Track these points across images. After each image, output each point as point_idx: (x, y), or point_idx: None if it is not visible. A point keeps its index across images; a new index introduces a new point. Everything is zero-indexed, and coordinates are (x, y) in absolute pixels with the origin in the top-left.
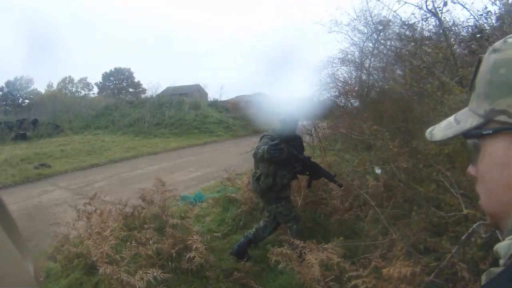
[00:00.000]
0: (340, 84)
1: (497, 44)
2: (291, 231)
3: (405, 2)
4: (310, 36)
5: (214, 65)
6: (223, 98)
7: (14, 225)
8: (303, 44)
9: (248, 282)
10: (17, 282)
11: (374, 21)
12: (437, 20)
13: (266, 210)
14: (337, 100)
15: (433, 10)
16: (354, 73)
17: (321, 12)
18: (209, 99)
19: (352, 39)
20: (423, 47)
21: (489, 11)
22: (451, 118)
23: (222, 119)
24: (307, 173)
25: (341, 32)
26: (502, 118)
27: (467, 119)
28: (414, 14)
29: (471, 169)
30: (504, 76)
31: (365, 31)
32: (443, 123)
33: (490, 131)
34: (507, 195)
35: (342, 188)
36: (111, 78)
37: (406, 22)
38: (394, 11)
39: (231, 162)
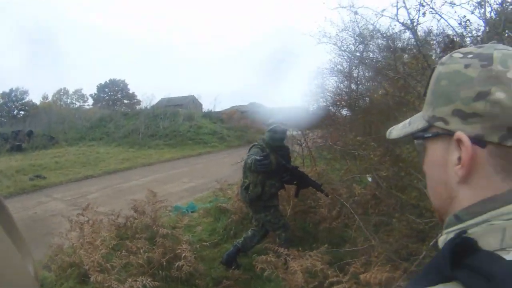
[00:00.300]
0: (329, 94)
1: (444, 58)
2: (280, 239)
3: (382, 15)
4: (302, 47)
5: (209, 75)
6: (218, 109)
7: (14, 225)
8: (295, 55)
9: None
10: (17, 282)
11: (361, 31)
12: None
13: (255, 219)
14: (328, 109)
15: (407, 23)
16: (343, 84)
17: (312, 23)
18: (203, 110)
19: (340, 49)
20: (403, 57)
21: (468, 19)
22: (407, 120)
23: (216, 130)
24: (295, 182)
25: (329, 43)
26: (440, 124)
27: (416, 122)
28: (393, 25)
29: (424, 167)
30: (444, 88)
31: (353, 41)
32: (401, 124)
33: (430, 135)
34: (445, 193)
35: (330, 196)
36: (106, 90)
37: (385, 34)
38: (372, 24)
39: (225, 172)
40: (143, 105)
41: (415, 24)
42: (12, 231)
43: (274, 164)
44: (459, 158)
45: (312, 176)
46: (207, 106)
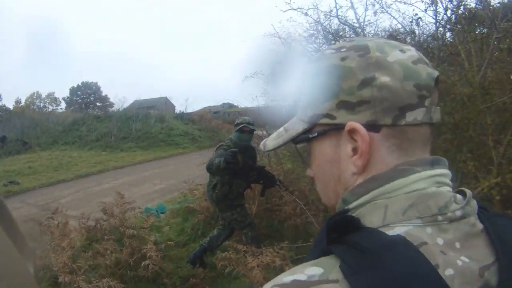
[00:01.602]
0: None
1: (315, 57)
2: (246, 237)
3: (331, 16)
4: (274, 46)
5: (182, 76)
6: (190, 110)
7: (14, 225)
8: (271, 54)
9: (203, 287)
10: (17, 282)
11: (323, 32)
12: (362, 32)
13: (221, 218)
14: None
15: (351, 22)
16: None
17: (275, 24)
18: (176, 111)
19: (305, 49)
20: None
21: (419, 17)
22: (281, 128)
23: (187, 131)
24: (261, 182)
25: (296, 44)
26: (326, 121)
27: (294, 127)
28: (343, 27)
29: (309, 172)
30: (323, 83)
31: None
32: (274, 134)
33: (316, 134)
34: (339, 187)
35: (291, 193)
36: (79, 93)
37: (335, 34)
38: (322, 24)
39: (195, 173)
40: (115, 107)
41: (361, 24)
42: (12, 231)
43: (241, 163)
44: (354, 149)
45: (278, 175)
46: (179, 107)
